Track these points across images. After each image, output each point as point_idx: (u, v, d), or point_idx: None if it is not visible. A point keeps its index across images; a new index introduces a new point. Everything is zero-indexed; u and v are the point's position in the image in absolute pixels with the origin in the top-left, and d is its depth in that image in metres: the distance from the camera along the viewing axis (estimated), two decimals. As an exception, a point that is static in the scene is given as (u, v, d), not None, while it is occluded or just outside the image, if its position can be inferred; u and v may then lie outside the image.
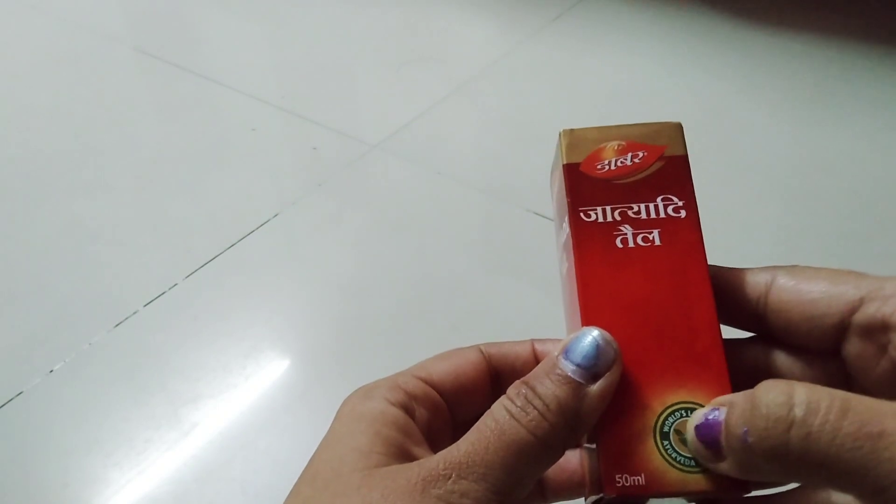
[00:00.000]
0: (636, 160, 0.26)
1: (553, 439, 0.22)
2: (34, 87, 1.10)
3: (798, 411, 0.19)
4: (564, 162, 0.26)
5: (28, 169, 0.94)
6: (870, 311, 0.23)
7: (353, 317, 0.73)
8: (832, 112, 0.96)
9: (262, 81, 1.08)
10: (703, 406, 0.23)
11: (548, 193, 0.30)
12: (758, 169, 0.87)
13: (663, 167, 0.26)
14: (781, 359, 0.25)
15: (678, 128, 0.26)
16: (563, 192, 0.26)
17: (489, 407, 0.24)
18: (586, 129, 0.27)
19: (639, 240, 0.25)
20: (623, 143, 0.26)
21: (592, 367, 0.22)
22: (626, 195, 0.26)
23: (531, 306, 0.72)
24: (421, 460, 0.22)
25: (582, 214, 0.26)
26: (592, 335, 0.23)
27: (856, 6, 1.17)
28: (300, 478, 0.24)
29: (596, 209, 0.26)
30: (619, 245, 0.25)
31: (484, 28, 1.19)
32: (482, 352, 0.27)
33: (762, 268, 0.25)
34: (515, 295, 0.74)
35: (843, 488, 0.19)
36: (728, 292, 0.25)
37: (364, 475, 0.22)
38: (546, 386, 0.22)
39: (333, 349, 0.70)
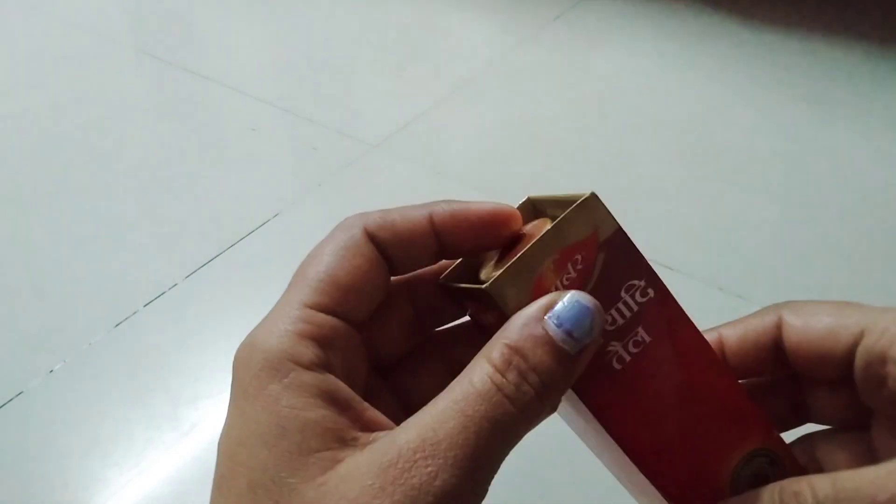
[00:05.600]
0: (578, 268, 0.22)
1: (540, 416, 0.20)
2: (35, 87, 1.10)
3: None
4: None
5: (28, 169, 0.94)
6: (869, 343, 0.23)
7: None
8: (834, 112, 0.96)
9: (262, 81, 1.08)
10: (769, 449, 0.24)
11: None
12: (758, 168, 0.87)
13: (607, 257, 0.23)
14: (809, 393, 0.26)
15: (595, 202, 0.22)
16: None
17: (384, 293, 0.23)
18: (508, 265, 0.22)
19: (631, 348, 0.23)
20: (556, 255, 0.22)
21: (585, 338, 0.20)
22: None
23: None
24: (385, 441, 0.19)
25: None
26: (584, 302, 0.21)
27: (857, 5, 1.17)
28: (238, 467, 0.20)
29: None
30: (617, 366, 0.23)
31: (484, 28, 1.19)
32: (371, 236, 0.24)
33: (765, 310, 0.26)
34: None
35: None
36: (743, 347, 0.26)
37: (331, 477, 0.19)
38: (540, 358, 0.20)
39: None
